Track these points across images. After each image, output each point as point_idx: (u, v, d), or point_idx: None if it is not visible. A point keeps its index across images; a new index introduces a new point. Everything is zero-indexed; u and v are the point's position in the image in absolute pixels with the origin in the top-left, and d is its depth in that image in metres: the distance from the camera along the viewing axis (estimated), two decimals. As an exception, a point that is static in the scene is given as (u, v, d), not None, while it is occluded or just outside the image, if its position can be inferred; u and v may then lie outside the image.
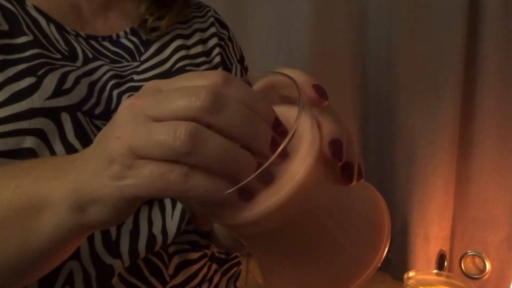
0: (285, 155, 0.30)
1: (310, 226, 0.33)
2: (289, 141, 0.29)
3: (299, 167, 0.30)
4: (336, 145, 0.31)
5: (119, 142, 0.28)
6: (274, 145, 0.29)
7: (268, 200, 0.30)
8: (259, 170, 0.28)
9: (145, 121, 0.28)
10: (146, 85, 0.31)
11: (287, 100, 0.34)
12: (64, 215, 0.33)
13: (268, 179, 0.30)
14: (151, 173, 0.27)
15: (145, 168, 0.28)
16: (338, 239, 0.34)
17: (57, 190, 0.33)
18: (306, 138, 0.31)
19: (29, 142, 0.47)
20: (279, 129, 0.30)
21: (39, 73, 0.49)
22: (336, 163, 0.31)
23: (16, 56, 0.50)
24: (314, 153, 0.30)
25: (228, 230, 0.36)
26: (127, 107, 0.29)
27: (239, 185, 0.28)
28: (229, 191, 0.28)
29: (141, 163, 0.28)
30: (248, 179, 0.28)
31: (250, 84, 0.34)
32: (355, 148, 0.33)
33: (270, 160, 0.28)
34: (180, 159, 0.27)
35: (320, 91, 0.32)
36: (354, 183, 0.33)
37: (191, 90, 0.28)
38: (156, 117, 0.28)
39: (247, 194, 0.29)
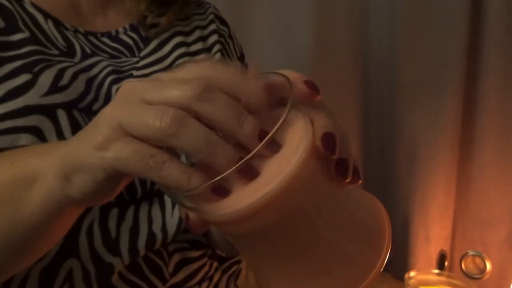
0: (274, 147, 0.29)
1: (303, 227, 0.30)
2: (276, 131, 0.28)
3: (289, 159, 0.28)
4: (329, 139, 0.30)
5: (111, 116, 0.30)
6: (264, 137, 0.29)
7: (253, 195, 0.28)
8: (238, 164, 0.27)
9: (139, 103, 0.30)
10: (149, 77, 0.32)
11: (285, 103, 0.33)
12: (52, 184, 0.34)
13: (250, 173, 0.29)
14: (133, 152, 0.29)
15: (129, 146, 0.29)
16: (334, 243, 0.32)
17: (48, 160, 0.35)
18: (298, 131, 0.29)
19: (24, 139, 0.47)
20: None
21: (35, 70, 0.49)
22: (330, 156, 0.30)
23: (12, 53, 0.50)
24: (306, 145, 0.29)
25: (220, 230, 0.34)
26: (126, 88, 0.31)
27: (212, 181, 0.27)
28: (200, 186, 0.28)
29: (127, 141, 0.29)
30: (222, 175, 0.27)
31: None
32: (350, 146, 0.32)
33: (252, 152, 0.27)
34: (163, 141, 0.29)
35: (311, 85, 0.32)
36: (349, 179, 0.32)
37: (186, 80, 0.30)
38: (150, 101, 0.30)
39: (222, 190, 0.29)
